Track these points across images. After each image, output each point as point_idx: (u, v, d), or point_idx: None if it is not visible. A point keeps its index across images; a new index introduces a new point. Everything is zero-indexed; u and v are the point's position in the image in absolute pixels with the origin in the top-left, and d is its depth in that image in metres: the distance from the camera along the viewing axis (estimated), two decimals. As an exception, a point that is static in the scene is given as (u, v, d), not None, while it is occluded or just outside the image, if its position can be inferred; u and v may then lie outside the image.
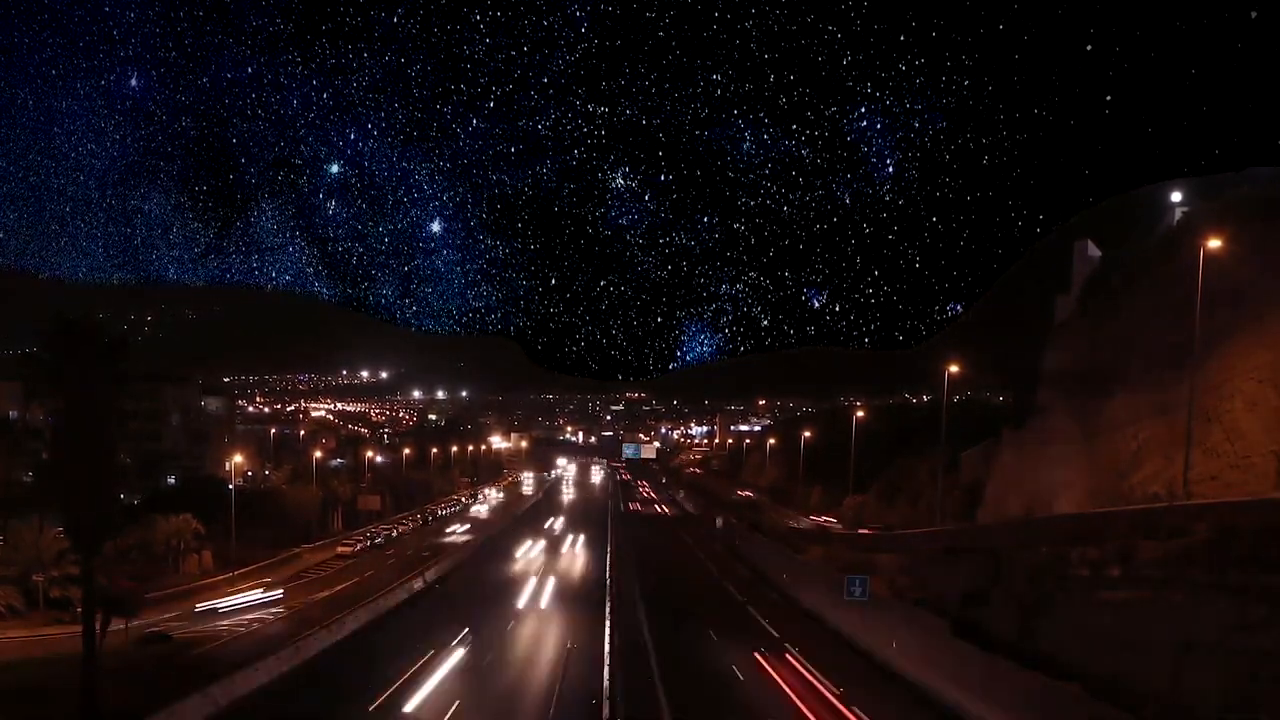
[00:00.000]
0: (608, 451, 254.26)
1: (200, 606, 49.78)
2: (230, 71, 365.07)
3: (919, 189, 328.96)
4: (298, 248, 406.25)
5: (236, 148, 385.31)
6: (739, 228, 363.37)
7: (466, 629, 42.01)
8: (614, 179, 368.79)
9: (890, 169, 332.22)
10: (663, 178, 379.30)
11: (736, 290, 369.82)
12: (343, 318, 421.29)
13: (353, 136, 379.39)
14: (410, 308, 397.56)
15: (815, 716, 29.53)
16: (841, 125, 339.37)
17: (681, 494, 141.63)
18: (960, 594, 35.73)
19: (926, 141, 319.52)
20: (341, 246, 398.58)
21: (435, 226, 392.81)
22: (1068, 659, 26.36)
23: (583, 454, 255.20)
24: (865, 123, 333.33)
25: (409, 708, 30.29)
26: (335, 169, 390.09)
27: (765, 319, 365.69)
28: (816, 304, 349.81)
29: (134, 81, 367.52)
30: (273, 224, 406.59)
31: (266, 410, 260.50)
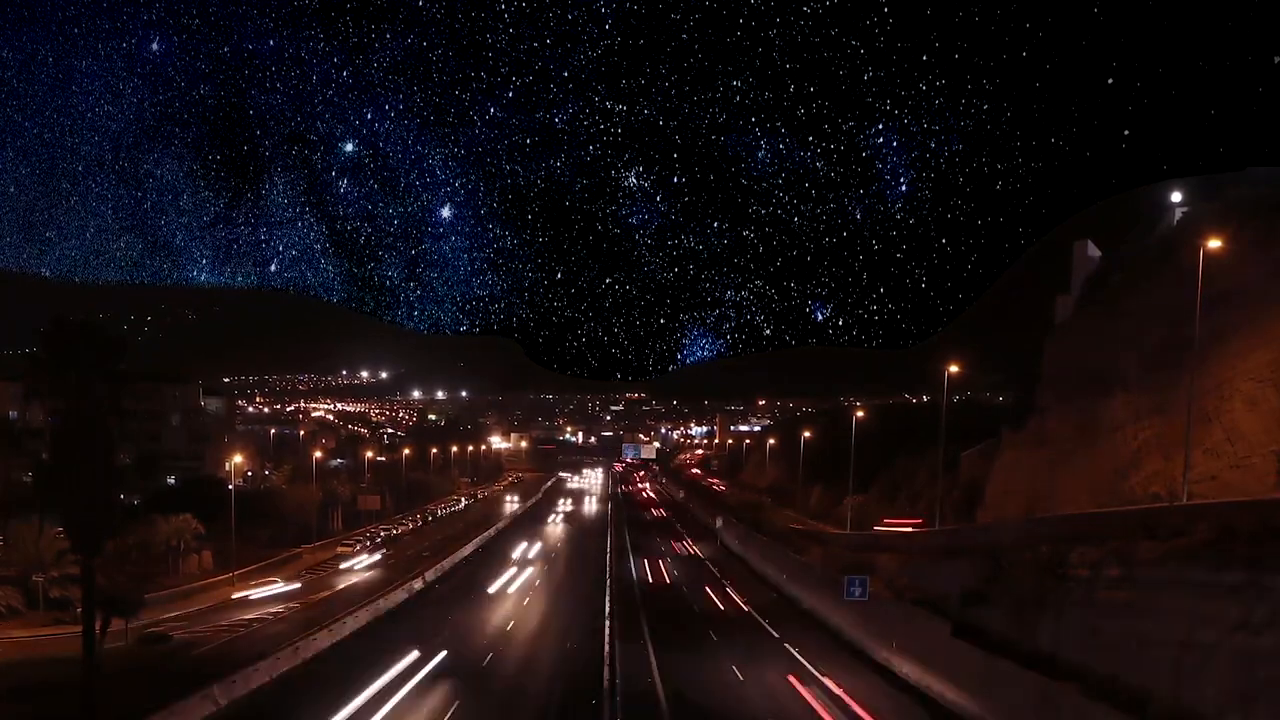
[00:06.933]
0: (608, 452, 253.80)
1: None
2: (251, 43, 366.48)
3: (931, 209, 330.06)
4: (308, 223, 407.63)
5: (253, 120, 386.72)
6: (748, 235, 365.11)
7: None
8: (627, 178, 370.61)
9: (904, 187, 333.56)
10: (676, 180, 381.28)
11: (741, 297, 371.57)
12: (343, 318, 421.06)
13: (369, 116, 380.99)
14: (415, 291, 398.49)
15: None
16: (858, 140, 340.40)
17: (682, 493, 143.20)
18: (960, 594, 35.72)
19: (941, 163, 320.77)
20: (351, 225, 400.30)
21: (445, 212, 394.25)
22: (1067, 659, 26.35)
23: (584, 455, 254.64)
24: (882, 139, 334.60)
25: None
26: (350, 147, 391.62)
27: (768, 328, 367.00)
28: (820, 316, 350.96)
29: (154, 45, 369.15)
30: (284, 198, 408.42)
31: (266, 410, 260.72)
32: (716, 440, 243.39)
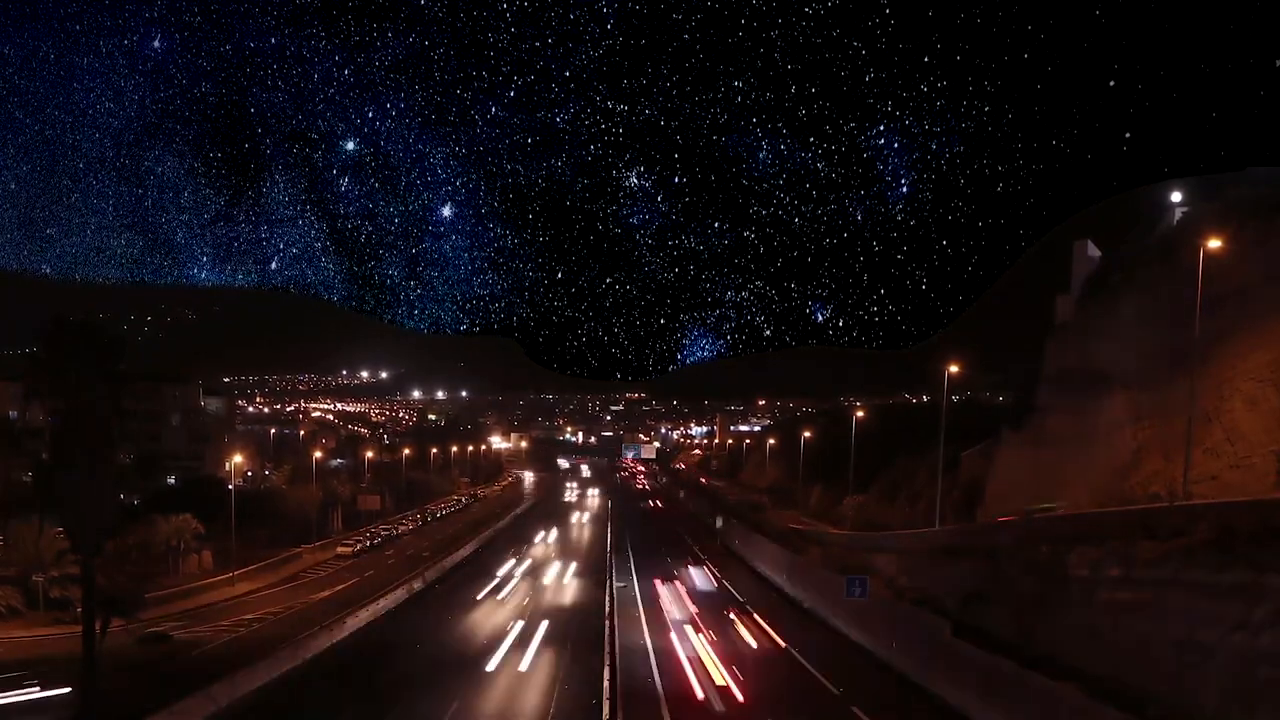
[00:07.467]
0: (608, 452, 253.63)
1: None
2: (252, 41, 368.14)
3: (931, 210, 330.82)
4: (308, 222, 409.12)
5: (254, 118, 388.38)
6: (749, 236, 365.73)
7: None
8: (628, 177, 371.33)
9: (904, 189, 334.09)
10: (676, 180, 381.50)
11: (741, 298, 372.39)
12: (343, 318, 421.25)
13: (370, 114, 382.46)
14: (415, 290, 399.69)
15: None
16: (859, 141, 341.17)
17: (682, 493, 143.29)
18: (960, 594, 35.73)
19: (942, 164, 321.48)
20: (351, 223, 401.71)
21: (446, 211, 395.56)
22: (1068, 659, 26.35)
23: (584, 455, 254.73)
24: (883, 140, 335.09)
25: None
26: (351, 146, 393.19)
27: (768, 328, 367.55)
28: (820, 318, 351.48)
29: (156, 43, 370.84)
30: (285, 196, 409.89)
31: (266, 410, 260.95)
32: (716, 440, 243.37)
